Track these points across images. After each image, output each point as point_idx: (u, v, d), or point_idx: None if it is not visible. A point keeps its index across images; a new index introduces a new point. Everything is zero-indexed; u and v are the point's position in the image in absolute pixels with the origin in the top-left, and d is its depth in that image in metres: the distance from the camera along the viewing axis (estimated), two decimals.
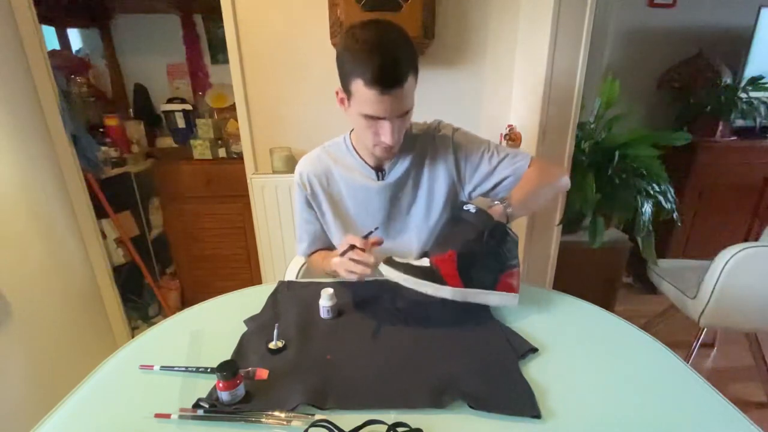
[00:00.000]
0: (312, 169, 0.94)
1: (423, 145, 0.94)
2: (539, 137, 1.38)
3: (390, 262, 0.76)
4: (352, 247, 0.76)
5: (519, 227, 1.57)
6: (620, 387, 0.59)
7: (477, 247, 0.72)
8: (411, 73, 0.73)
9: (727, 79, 2.06)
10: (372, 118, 0.76)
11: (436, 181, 0.94)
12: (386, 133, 0.77)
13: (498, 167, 0.91)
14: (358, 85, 0.72)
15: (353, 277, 0.76)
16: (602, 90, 1.56)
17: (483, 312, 0.77)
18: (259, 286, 0.90)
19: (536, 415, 0.53)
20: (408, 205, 0.95)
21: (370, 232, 0.80)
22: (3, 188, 1.23)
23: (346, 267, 0.76)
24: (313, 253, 1.03)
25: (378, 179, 0.92)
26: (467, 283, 0.73)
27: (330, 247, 1.04)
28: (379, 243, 0.79)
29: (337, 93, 0.81)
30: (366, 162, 0.92)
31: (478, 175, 0.93)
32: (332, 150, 0.96)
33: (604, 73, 2.09)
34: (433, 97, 1.57)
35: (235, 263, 2.07)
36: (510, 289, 0.75)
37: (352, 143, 0.94)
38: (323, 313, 0.76)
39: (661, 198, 1.49)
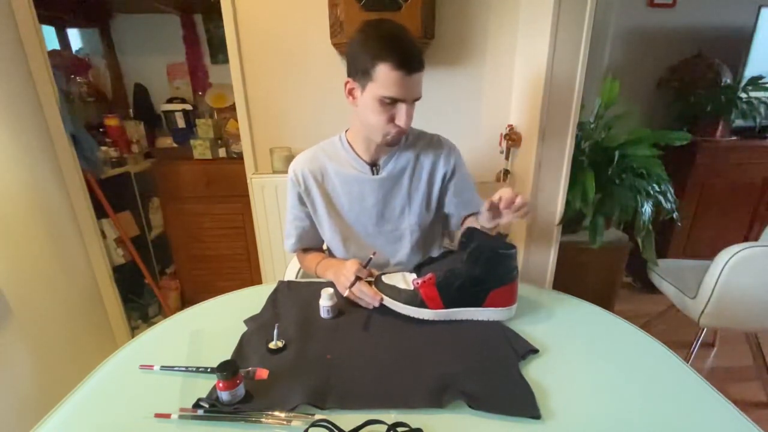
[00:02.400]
0: (307, 166, 0.95)
1: (426, 145, 0.97)
2: (539, 137, 1.38)
3: (378, 282, 0.80)
4: (359, 278, 0.80)
5: (519, 227, 1.57)
6: (620, 387, 0.59)
7: (459, 268, 0.73)
8: (424, 64, 0.80)
9: (727, 79, 2.06)
10: (390, 102, 0.80)
11: (435, 181, 0.98)
12: (402, 116, 0.81)
13: (468, 205, 1.00)
14: (383, 69, 0.76)
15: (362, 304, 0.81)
16: (602, 90, 1.56)
17: None
18: (259, 286, 0.90)
19: (536, 415, 0.53)
20: (402, 203, 0.97)
21: (370, 260, 0.84)
22: (3, 188, 1.23)
23: (355, 298, 0.81)
24: (303, 250, 1.06)
25: (373, 174, 0.95)
26: (449, 304, 0.74)
27: (318, 246, 1.07)
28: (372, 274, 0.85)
29: (346, 84, 0.85)
30: (361, 157, 0.94)
31: (457, 197, 0.99)
32: (327, 148, 0.98)
33: (604, 73, 2.09)
34: (433, 97, 1.57)
35: (235, 263, 2.07)
36: (501, 304, 0.75)
37: (347, 140, 0.96)
38: (323, 313, 0.76)
39: (661, 198, 1.49)
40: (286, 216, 1.03)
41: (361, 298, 0.80)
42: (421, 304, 0.75)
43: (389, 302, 0.77)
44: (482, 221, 0.81)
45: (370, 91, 0.80)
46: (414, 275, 0.78)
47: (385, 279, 0.81)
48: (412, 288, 0.76)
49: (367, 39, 0.78)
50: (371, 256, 0.85)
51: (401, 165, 0.95)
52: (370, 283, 0.81)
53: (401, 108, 0.81)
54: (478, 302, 0.74)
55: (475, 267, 0.72)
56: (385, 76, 0.77)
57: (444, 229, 1.09)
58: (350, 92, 0.86)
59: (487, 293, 0.74)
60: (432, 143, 0.98)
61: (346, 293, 0.80)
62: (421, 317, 0.75)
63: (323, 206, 0.97)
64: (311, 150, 0.99)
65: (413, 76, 0.78)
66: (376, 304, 0.78)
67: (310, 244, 1.05)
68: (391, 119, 0.82)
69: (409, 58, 0.76)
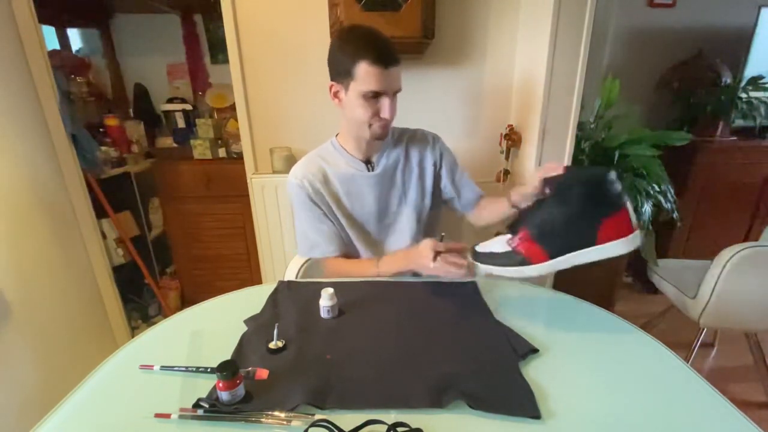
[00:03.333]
0: (308, 171, 0.97)
1: (410, 139, 1.04)
2: (539, 137, 1.38)
3: (474, 254, 0.77)
4: (438, 252, 0.81)
5: None
6: (620, 387, 0.59)
7: (551, 210, 0.65)
8: (400, 59, 0.86)
9: (727, 79, 2.06)
10: (373, 96, 0.86)
11: (426, 171, 1.03)
12: (386, 108, 0.87)
13: (466, 184, 1.07)
14: (363, 66, 0.82)
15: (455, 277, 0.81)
16: (602, 90, 1.56)
17: (484, 312, 0.77)
18: (259, 286, 0.90)
19: (536, 415, 0.53)
20: (398, 196, 1.01)
21: (442, 237, 0.86)
22: (3, 188, 1.23)
23: (444, 272, 0.81)
24: (339, 256, 0.99)
25: (368, 171, 0.99)
26: (556, 252, 0.66)
27: (345, 248, 1.01)
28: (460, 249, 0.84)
29: (330, 87, 0.91)
30: (355, 157, 0.98)
31: (450, 182, 1.05)
32: (322, 153, 1.01)
33: (604, 73, 2.09)
34: (433, 97, 1.57)
35: (235, 263, 2.07)
36: (618, 234, 0.63)
37: (339, 143, 1.00)
38: (323, 313, 0.76)
39: (661, 198, 1.49)
40: (301, 226, 0.99)
41: (449, 271, 0.79)
42: (522, 262, 0.68)
43: (489, 269, 0.72)
44: (515, 199, 0.87)
45: (354, 89, 0.86)
46: (509, 235, 0.71)
47: (479, 248, 0.76)
48: (509, 249, 0.70)
49: (345, 42, 0.85)
50: (442, 234, 0.88)
51: (393, 160, 1.00)
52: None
53: (384, 101, 0.86)
54: (590, 240, 0.64)
55: (569, 204, 0.63)
56: (365, 73, 0.82)
57: (457, 214, 1.12)
58: (335, 95, 0.91)
59: (597, 227, 0.63)
60: (416, 137, 1.04)
61: (431, 268, 0.81)
62: (527, 275, 0.69)
63: (335, 205, 0.98)
64: (306, 157, 1.01)
65: (391, 70, 0.84)
66: (467, 272, 0.79)
67: (341, 244, 0.99)
68: (376, 113, 0.88)
69: (385, 54, 0.82)
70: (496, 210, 0.99)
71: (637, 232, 0.64)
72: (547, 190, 0.70)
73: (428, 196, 1.03)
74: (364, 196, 0.98)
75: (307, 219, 0.98)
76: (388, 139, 0.99)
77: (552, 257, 0.66)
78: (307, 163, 0.99)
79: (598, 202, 0.63)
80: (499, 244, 0.73)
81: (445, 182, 1.06)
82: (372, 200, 0.99)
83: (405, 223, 1.01)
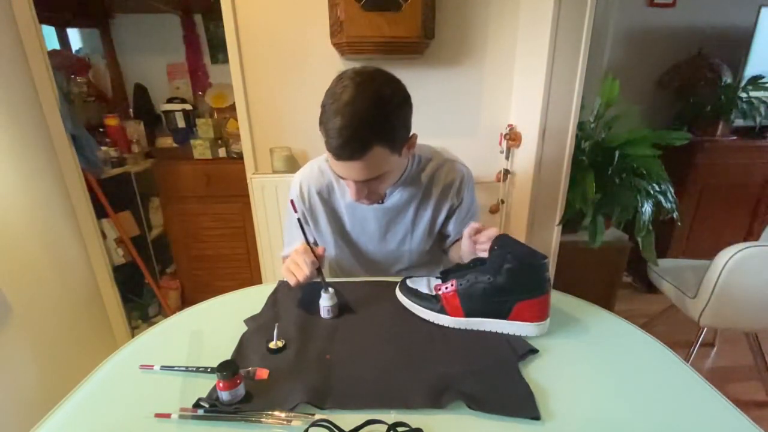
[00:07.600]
0: (314, 182, 0.93)
1: (436, 173, 0.92)
2: (539, 137, 1.39)
3: (403, 286, 0.80)
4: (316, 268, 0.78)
5: (520, 226, 1.56)
6: (620, 387, 0.59)
7: (483, 276, 0.69)
8: (378, 143, 0.69)
9: (727, 79, 2.06)
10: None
11: (440, 213, 0.95)
12: (351, 192, 0.78)
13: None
14: (326, 145, 0.71)
15: (291, 281, 0.77)
16: (602, 90, 1.56)
17: None
18: (259, 286, 0.90)
19: (536, 416, 0.53)
20: (405, 231, 0.95)
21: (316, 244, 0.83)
22: (3, 188, 1.23)
23: (289, 268, 0.78)
24: None
25: (377, 202, 0.92)
26: (470, 313, 0.71)
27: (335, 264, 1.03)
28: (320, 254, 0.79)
29: None
30: None
31: (459, 223, 0.96)
32: None
33: (604, 73, 2.09)
34: (433, 97, 1.57)
35: (235, 263, 2.07)
36: (529, 318, 0.69)
37: None
38: (323, 313, 0.76)
39: (661, 198, 1.49)
40: (286, 223, 1.01)
41: (295, 272, 0.76)
42: (441, 311, 0.73)
43: (410, 304, 0.76)
44: (464, 246, 0.81)
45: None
46: (439, 280, 0.75)
47: (409, 282, 0.79)
48: (433, 293, 0.75)
49: (325, 97, 0.71)
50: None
51: (408, 195, 0.91)
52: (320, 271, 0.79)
53: (349, 184, 0.77)
54: (502, 314, 0.71)
55: (497, 276, 0.68)
56: (328, 153, 0.73)
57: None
58: None
59: (513, 305, 0.69)
60: (443, 174, 0.92)
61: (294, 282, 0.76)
62: (439, 323, 0.73)
63: (327, 224, 0.95)
64: (318, 162, 0.95)
65: (350, 164, 0.71)
66: (304, 276, 0.75)
67: None
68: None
69: (340, 146, 0.68)
70: (459, 251, 0.89)
71: (546, 322, 0.70)
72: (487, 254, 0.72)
73: (435, 232, 0.97)
74: (368, 223, 0.94)
75: (294, 221, 0.95)
76: (407, 172, 0.89)
77: (466, 316, 0.72)
78: (317, 173, 0.93)
79: (522, 282, 0.68)
80: (426, 285, 0.77)
81: (451, 224, 0.97)
82: (374, 228, 0.94)
83: (405, 253, 0.98)
